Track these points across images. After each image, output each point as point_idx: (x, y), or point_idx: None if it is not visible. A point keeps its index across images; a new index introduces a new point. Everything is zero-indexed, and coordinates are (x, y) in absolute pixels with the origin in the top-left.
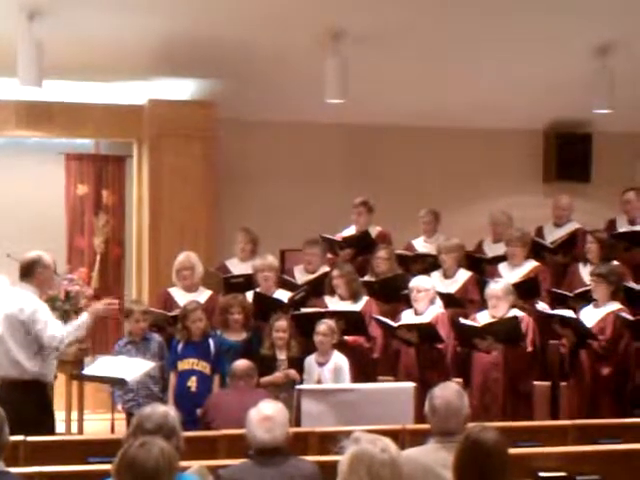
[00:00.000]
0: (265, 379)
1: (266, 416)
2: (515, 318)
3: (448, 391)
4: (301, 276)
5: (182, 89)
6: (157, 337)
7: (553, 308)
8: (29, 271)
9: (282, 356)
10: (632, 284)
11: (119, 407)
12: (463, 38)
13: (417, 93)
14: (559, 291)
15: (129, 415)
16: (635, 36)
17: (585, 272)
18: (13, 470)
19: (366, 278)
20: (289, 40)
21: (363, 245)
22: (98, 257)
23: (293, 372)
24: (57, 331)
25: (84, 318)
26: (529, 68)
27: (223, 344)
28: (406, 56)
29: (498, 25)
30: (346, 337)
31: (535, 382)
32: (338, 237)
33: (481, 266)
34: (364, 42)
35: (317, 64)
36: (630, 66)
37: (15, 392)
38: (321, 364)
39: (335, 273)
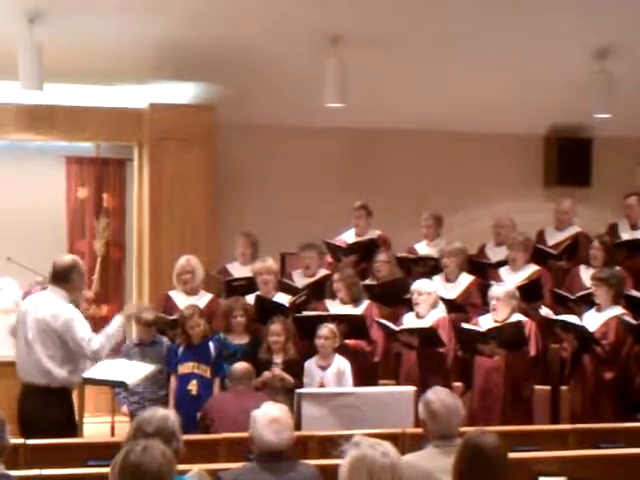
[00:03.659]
0: (255, 381)
1: (274, 418)
2: (519, 322)
3: (443, 394)
4: (300, 280)
5: (182, 93)
6: (166, 341)
7: (555, 311)
8: (65, 277)
9: (277, 359)
10: (633, 292)
11: (124, 409)
12: (463, 42)
13: (417, 97)
14: (562, 292)
15: (133, 417)
16: (635, 40)
17: (586, 275)
18: (13, 473)
19: (367, 282)
20: (289, 44)
21: (367, 251)
22: (99, 260)
23: (278, 370)
24: (95, 342)
25: (116, 324)
26: (529, 72)
27: (227, 347)
28: (405, 60)
29: (498, 29)
30: (347, 341)
31: (536, 386)
32: (341, 241)
33: (484, 270)
34: (363, 46)
35: (316, 68)
36: (630, 70)
37: (41, 399)
38: (323, 368)
39: (336, 277)
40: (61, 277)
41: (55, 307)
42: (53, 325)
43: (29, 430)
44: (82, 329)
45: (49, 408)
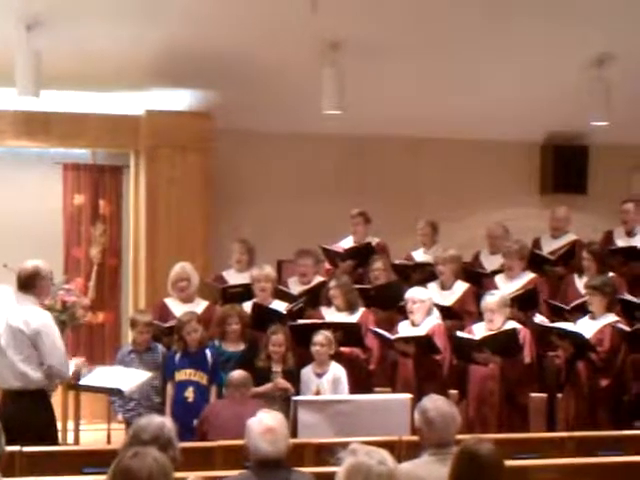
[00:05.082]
0: (255, 390)
1: (269, 427)
2: (513, 330)
3: (439, 402)
4: (295, 287)
5: (179, 100)
6: (161, 347)
7: (551, 320)
8: (29, 283)
9: (277, 368)
10: (628, 296)
11: (119, 417)
12: (460, 51)
13: (414, 104)
14: (555, 303)
15: (129, 425)
16: (631, 48)
17: (580, 283)
18: None
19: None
20: (286, 51)
21: (364, 257)
22: (95, 267)
23: (282, 381)
24: (69, 365)
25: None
26: (526, 80)
27: (222, 355)
28: (403, 67)
29: (495, 38)
30: (342, 348)
31: (532, 394)
32: (338, 248)
33: (479, 277)
34: (361, 53)
35: (314, 75)
36: (626, 78)
37: (19, 402)
38: (319, 375)
39: (332, 284)
40: (26, 284)
41: (26, 314)
42: (26, 332)
43: (8, 435)
44: (57, 343)
45: (27, 412)
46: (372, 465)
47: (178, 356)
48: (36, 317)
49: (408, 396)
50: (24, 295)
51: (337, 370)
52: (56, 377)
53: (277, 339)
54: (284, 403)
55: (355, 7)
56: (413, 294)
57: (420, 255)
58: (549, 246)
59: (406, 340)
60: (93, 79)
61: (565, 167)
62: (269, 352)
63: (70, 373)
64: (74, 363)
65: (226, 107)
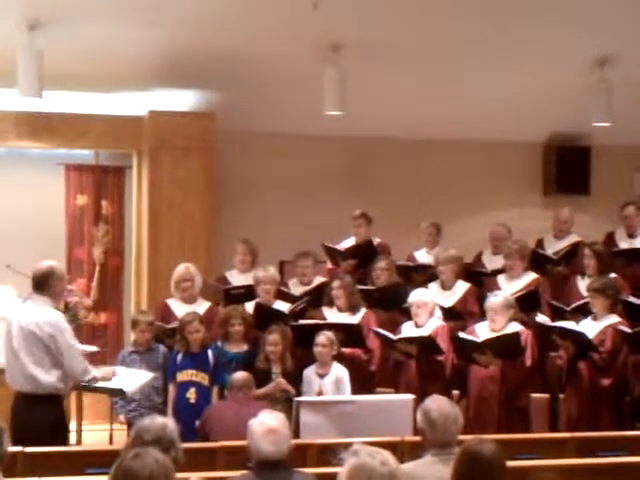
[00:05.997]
0: (257, 391)
1: (271, 428)
2: (516, 334)
3: (441, 402)
4: (296, 288)
5: (182, 100)
6: (162, 348)
7: (553, 320)
8: (43, 284)
9: (276, 369)
10: (631, 298)
11: (121, 417)
12: (462, 52)
13: (416, 105)
14: (556, 304)
15: (131, 426)
16: (633, 49)
17: (583, 285)
18: None
19: (365, 287)
20: (288, 52)
21: (366, 256)
22: (97, 268)
23: (284, 381)
24: (86, 365)
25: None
26: (528, 81)
27: (224, 356)
28: (405, 68)
29: (497, 38)
30: (344, 349)
31: (534, 395)
32: (340, 248)
33: (480, 278)
34: (363, 54)
35: (316, 76)
36: (628, 79)
37: (30, 406)
38: (321, 376)
39: (335, 284)
40: (40, 285)
41: (39, 316)
42: (39, 334)
43: (17, 437)
44: (73, 345)
45: (36, 415)
46: (374, 466)
47: (180, 357)
48: (49, 319)
49: (411, 397)
50: (38, 296)
51: (339, 371)
52: (74, 377)
53: (273, 339)
54: (287, 404)
55: (357, 9)
56: (417, 297)
57: (423, 256)
58: (552, 247)
59: (409, 340)
60: (96, 79)
61: (567, 168)
62: (267, 353)
63: (87, 375)
64: (104, 370)
65: (229, 108)
